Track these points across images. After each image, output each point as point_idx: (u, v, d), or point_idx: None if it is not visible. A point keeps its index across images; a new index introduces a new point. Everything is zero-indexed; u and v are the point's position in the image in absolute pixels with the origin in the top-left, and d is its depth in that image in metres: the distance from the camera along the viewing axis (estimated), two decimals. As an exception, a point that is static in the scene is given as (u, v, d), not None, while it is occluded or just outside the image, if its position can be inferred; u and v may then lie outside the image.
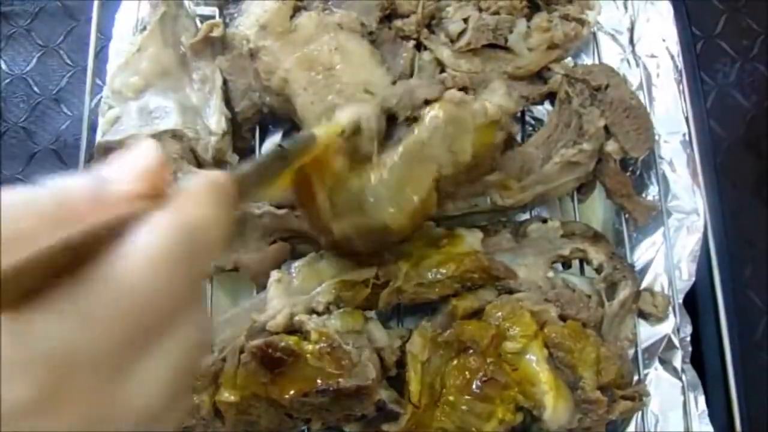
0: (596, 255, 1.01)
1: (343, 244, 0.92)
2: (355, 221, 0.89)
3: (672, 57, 1.16)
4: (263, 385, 0.90)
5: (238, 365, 0.91)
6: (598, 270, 1.01)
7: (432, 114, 0.93)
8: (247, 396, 0.91)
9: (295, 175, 0.82)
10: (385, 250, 0.97)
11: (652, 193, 1.11)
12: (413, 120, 0.95)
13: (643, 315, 1.04)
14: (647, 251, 1.08)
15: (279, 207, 1.02)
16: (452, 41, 1.11)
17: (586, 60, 1.18)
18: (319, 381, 0.88)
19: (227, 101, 1.09)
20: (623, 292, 1.00)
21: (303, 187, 0.89)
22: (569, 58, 1.16)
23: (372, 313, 0.98)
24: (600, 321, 1.00)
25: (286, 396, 0.89)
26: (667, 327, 1.04)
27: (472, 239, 1.00)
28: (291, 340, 0.91)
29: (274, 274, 0.99)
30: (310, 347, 0.91)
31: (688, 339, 1.03)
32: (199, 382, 0.93)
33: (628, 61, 1.18)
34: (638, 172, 1.13)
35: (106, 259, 0.40)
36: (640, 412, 1.00)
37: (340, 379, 0.88)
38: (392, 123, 0.96)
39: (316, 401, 0.89)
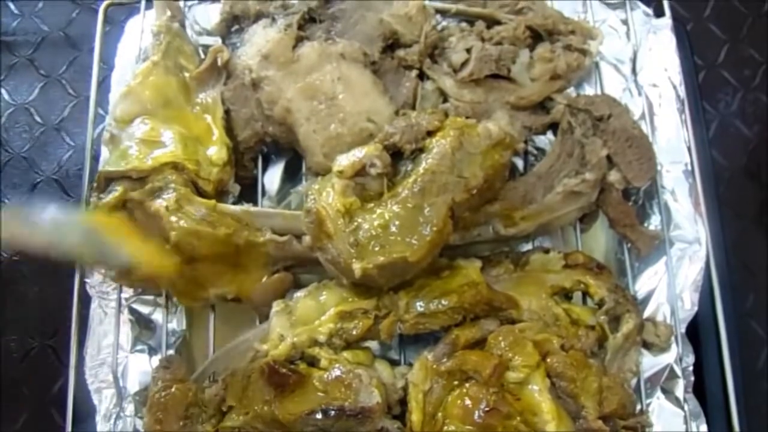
0: (598, 289, 1.00)
1: (365, 282, 0.92)
2: (375, 260, 0.89)
3: (674, 86, 1.16)
4: (267, 402, 0.90)
5: (248, 383, 0.92)
6: (600, 304, 1.01)
7: (438, 143, 0.94)
8: (250, 420, 0.91)
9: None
10: (406, 282, 0.97)
11: (655, 222, 1.11)
12: (419, 151, 0.95)
13: (645, 345, 1.03)
14: (649, 281, 1.08)
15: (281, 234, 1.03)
16: (455, 71, 1.11)
17: (589, 90, 1.18)
18: (323, 401, 0.89)
19: (229, 130, 1.10)
20: (627, 326, 0.99)
21: (317, 232, 0.90)
22: (572, 88, 1.17)
23: (376, 345, 0.98)
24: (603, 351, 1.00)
25: (290, 415, 0.89)
26: (669, 357, 1.03)
27: (473, 269, 0.99)
28: (300, 367, 0.92)
29: (277, 305, 0.99)
30: (317, 373, 0.91)
31: (691, 368, 1.03)
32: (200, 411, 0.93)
33: (630, 91, 1.18)
34: (640, 202, 1.13)
35: None
36: (642, 443, 0.99)
37: (346, 402, 0.88)
38: (398, 158, 0.96)
39: (320, 422, 0.89)
